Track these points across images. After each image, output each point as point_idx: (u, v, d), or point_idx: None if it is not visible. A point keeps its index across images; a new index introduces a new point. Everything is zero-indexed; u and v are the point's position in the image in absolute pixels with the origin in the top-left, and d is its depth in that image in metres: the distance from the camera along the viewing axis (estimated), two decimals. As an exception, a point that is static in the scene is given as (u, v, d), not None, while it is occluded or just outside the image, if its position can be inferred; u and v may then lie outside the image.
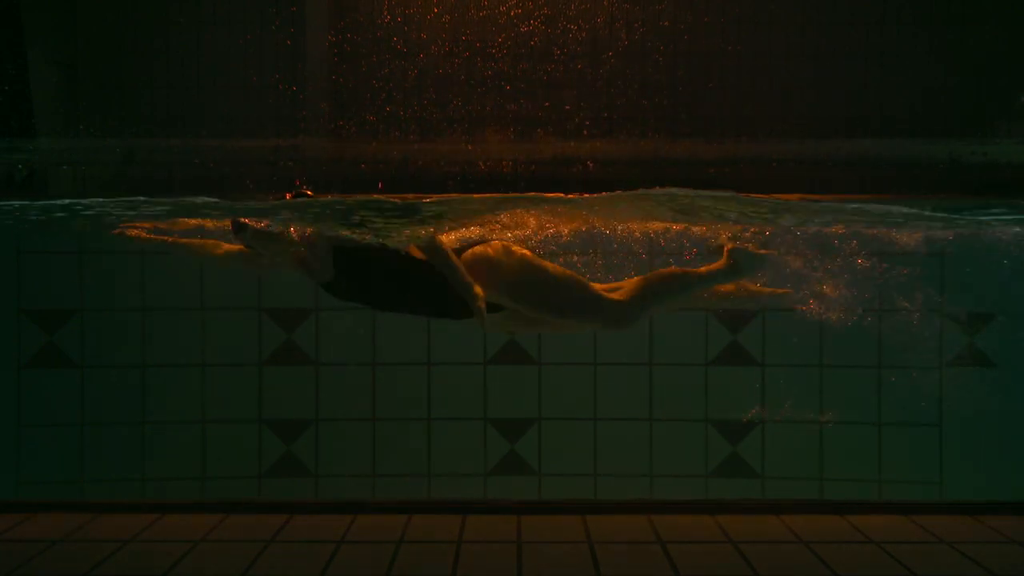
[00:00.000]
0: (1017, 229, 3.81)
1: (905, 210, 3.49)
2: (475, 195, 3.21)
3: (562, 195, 3.17)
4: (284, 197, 3.14)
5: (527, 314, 2.98)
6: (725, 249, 3.11)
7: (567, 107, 4.39)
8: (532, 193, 3.20)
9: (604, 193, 3.15)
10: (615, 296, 2.95)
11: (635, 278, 3.07)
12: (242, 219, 3.03)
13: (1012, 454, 4.14)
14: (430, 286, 2.95)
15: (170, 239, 3.21)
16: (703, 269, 3.12)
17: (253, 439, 4.28)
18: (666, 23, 4.44)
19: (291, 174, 4.27)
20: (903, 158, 4.39)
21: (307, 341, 4.30)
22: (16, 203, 3.41)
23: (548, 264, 2.97)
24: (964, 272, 4.20)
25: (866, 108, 4.47)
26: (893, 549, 2.92)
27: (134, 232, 3.24)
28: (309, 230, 3.00)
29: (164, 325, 4.26)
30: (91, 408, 4.21)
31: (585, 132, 4.35)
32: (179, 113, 4.46)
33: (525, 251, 3.00)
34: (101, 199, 3.30)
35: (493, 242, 3.04)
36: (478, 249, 3.01)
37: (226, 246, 3.18)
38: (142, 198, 3.23)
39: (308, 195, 3.07)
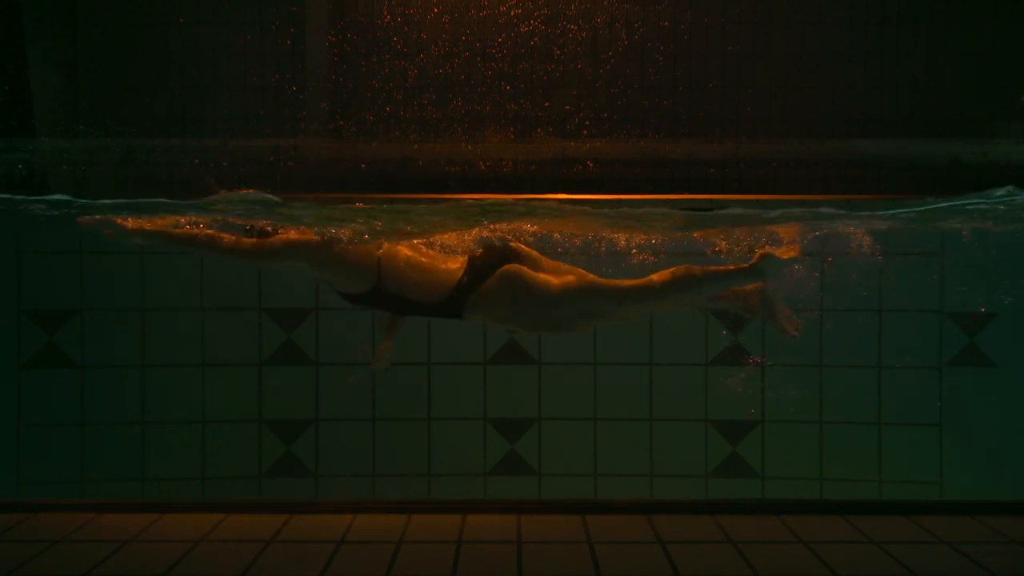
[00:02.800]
0: (1018, 228, 3.81)
1: (907, 209, 3.49)
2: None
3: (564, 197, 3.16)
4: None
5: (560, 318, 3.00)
6: (758, 252, 3.04)
7: (567, 107, 4.39)
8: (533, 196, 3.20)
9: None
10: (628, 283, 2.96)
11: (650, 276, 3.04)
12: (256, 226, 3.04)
13: (1012, 454, 4.14)
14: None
15: (176, 231, 3.08)
16: (723, 268, 3.05)
17: (253, 439, 4.28)
18: (666, 23, 4.44)
19: (291, 174, 4.28)
20: (903, 158, 4.39)
21: (307, 341, 4.29)
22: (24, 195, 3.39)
23: (558, 276, 2.97)
24: (964, 272, 4.19)
25: (866, 108, 4.47)
26: (893, 549, 2.92)
27: (132, 224, 3.02)
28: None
29: (164, 325, 4.26)
30: (91, 408, 4.21)
31: (585, 132, 4.35)
32: (179, 113, 4.46)
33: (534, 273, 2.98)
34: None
35: (511, 267, 2.99)
36: (507, 273, 2.96)
37: (235, 240, 3.04)
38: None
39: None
